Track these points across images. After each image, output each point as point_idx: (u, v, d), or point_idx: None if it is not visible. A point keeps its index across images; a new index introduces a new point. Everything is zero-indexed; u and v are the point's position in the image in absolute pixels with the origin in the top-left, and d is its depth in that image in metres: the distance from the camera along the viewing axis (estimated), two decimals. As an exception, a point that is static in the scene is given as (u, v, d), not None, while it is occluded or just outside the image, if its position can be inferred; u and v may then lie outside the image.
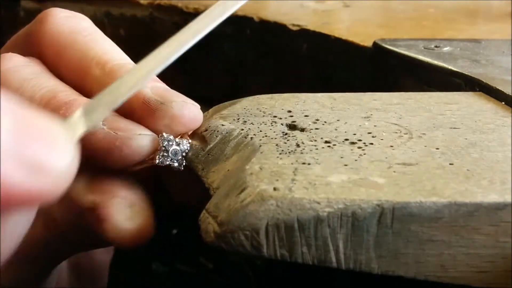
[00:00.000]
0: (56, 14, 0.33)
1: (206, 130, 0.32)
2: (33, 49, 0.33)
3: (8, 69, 0.30)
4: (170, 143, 0.30)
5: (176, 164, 0.31)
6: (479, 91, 0.39)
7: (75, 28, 0.33)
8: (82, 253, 0.37)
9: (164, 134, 0.30)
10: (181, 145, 0.31)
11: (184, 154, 0.31)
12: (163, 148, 0.30)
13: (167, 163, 0.31)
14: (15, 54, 0.32)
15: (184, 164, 0.31)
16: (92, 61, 0.31)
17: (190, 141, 0.31)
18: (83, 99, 0.30)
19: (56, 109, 0.29)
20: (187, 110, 0.30)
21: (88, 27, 0.33)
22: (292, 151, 0.29)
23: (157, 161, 0.30)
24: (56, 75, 0.32)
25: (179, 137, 0.31)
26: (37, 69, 0.32)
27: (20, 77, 0.30)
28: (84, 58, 0.32)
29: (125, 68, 0.31)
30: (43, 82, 0.31)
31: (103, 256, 0.38)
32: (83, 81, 0.31)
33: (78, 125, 0.21)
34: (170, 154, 0.30)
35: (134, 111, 0.30)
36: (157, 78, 0.32)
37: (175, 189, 0.33)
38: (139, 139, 0.29)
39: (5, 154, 0.16)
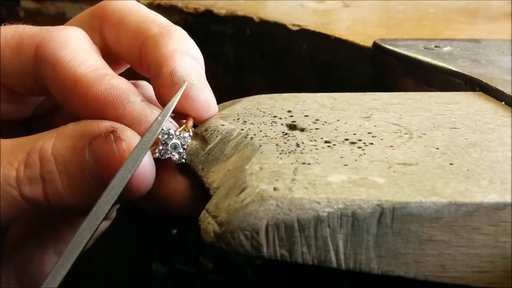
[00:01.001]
0: None
1: (206, 130, 0.32)
2: (96, 22, 0.36)
3: (74, 37, 0.33)
4: (170, 136, 0.31)
5: (176, 157, 0.31)
6: (479, 91, 0.39)
7: (136, 3, 0.36)
8: (34, 261, 0.37)
9: (163, 127, 0.30)
10: (181, 138, 0.31)
11: (185, 147, 0.31)
12: (163, 142, 0.30)
13: (167, 156, 0.31)
14: (82, 30, 0.34)
15: (185, 156, 0.31)
16: (153, 23, 0.34)
17: (191, 134, 0.32)
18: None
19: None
20: (203, 97, 0.32)
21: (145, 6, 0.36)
22: (292, 151, 0.29)
23: (156, 154, 0.31)
24: (115, 40, 0.35)
25: (181, 129, 0.31)
26: (93, 47, 0.34)
27: (78, 46, 0.33)
28: (145, 21, 0.34)
29: (179, 33, 0.33)
30: (92, 57, 0.33)
31: None
32: (140, 39, 0.34)
33: None
34: (169, 148, 0.31)
35: (161, 74, 0.31)
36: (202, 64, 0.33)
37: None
38: (168, 124, 0.31)
39: None
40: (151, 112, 0.30)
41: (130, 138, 0.29)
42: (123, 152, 0.29)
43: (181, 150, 0.31)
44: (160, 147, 0.30)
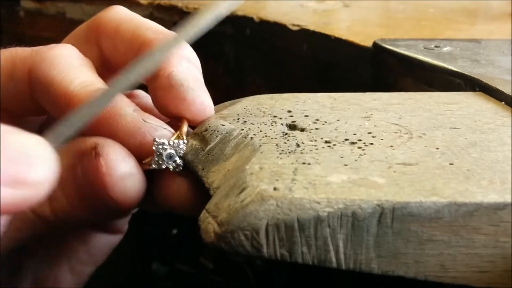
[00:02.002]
0: (115, 6, 0.37)
1: (206, 130, 0.32)
2: (92, 34, 0.36)
3: (62, 54, 0.33)
4: (165, 146, 0.31)
5: (172, 166, 0.31)
6: (479, 91, 0.39)
7: (130, 12, 0.36)
8: (48, 278, 0.38)
9: (156, 139, 0.30)
10: (175, 147, 0.31)
11: (180, 155, 0.31)
12: (158, 153, 0.30)
13: (163, 166, 0.31)
14: (72, 46, 0.34)
15: (182, 164, 0.31)
16: (148, 30, 0.34)
17: (185, 141, 0.31)
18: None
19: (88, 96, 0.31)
20: (199, 100, 0.32)
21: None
22: (292, 151, 0.29)
23: (153, 166, 0.31)
24: (112, 49, 0.35)
25: (175, 137, 0.31)
26: (83, 62, 0.34)
27: (68, 63, 0.33)
28: (140, 28, 0.34)
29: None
30: (83, 72, 0.33)
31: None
32: (136, 45, 0.34)
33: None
34: (165, 158, 0.31)
35: (157, 77, 0.32)
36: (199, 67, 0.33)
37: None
38: (162, 132, 0.31)
39: None
40: (143, 123, 0.31)
41: (108, 153, 0.30)
42: (101, 167, 0.30)
43: (177, 159, 0.31)
44: (156, 159, 0.31)
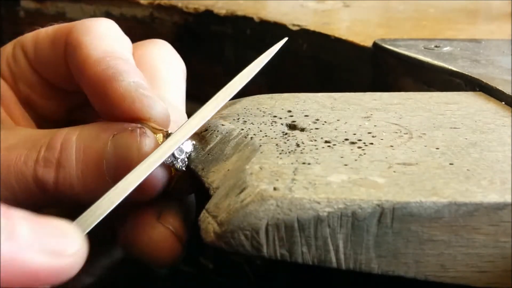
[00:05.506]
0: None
1: (206, 130, 0.32)
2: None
3: (100, 25, 0.35)
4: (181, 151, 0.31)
5: (180, 165, 0.31)
6: (479, 91, 0.39)
7: (102, 33, 0.36)
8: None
9: (169, 132, 0.31)
10: (184, 145, 0.31)
11: (187, 155, 0.31)
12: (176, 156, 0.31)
13: (171, 162, 0.31)
14: (111, 21, 0.36)
15: (186, 164, 0.31)
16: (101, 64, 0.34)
17: (194, 142, 0.31)
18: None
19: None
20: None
21: None
22: (292, 151, 0.29)
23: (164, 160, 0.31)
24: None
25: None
26: (118, 36, 0.35)
27: (102, 33, 0.34)
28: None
29: None
30: (111, 43, 0.34)
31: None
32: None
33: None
34: (175, 154, 0.30)
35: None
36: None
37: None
38: (153, 100, 0.31)
39: (31, 247, 0.22)
40: (135, 90, 0.31)
41: (153, 137, 0.30)
42: (145, 147, 0.30)
43: (184, 157, 0.31)
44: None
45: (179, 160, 0.31)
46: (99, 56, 0.32)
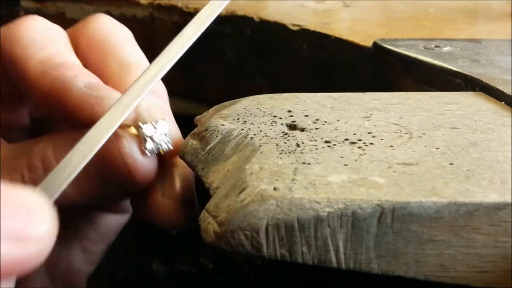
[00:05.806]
0: (98, 19, 0.37)
1: (206, 130, 0.32)
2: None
3: (27, 30, 0.33)
4: (150, 128, 0.31)
5: (166, 146, 0.32)
6: (479, 91, 0.39)
7: (108, 32, 0.36)
8: (61, 258, 0.38)
9: (139, 123, 0.31)
10: (159, 127, 0.32)
11: (166, 133, 0.32)
12: (148, 136, 0.31)
13: (153, 147, 0.31)
14: (39, 18, 0.34)
15: (170, 143, 0.32)
16: (114, 60, 0.34)
17: (166, 120, 0.32)
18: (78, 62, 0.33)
19: (53, 68, 0.31)
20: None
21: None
22: (292, 151, 0.29)
23: (148, 149, 0.31)
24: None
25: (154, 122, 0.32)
26: (48, 35, 0.34)
27: (32, 39, 0.33)
28: (109, 55, 0.35)
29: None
30: (44, 50, 0.33)
31: (83, 267, 0.39)
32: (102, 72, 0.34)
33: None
34: (155, 140, 0.31)
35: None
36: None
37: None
38: (111, 100, 0.30)
39: None
40: (89, 96, 0.30)
41: (127, 130, 0.31)
42: (124, 148, 0.31)
43: (165, 138, 0.32)
44: (147, 143, 0.31)
45: (163, 143, 0.32)
46: (38, 70, 0.31)
